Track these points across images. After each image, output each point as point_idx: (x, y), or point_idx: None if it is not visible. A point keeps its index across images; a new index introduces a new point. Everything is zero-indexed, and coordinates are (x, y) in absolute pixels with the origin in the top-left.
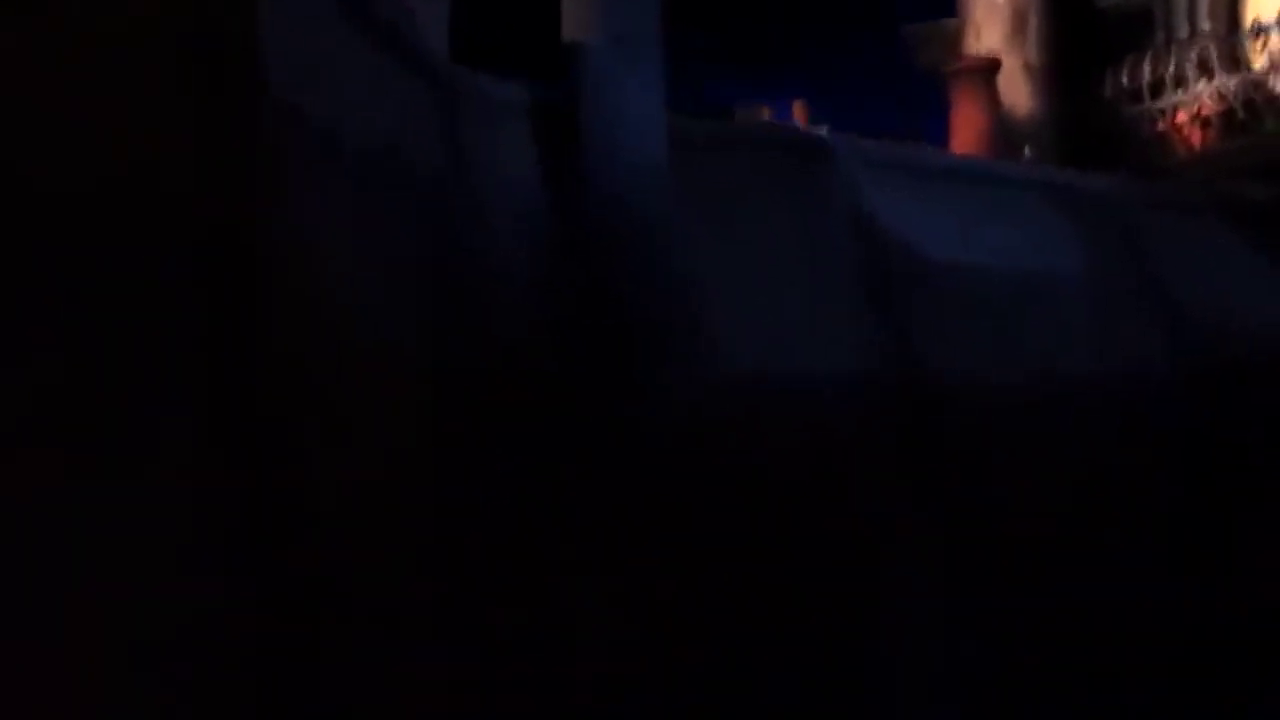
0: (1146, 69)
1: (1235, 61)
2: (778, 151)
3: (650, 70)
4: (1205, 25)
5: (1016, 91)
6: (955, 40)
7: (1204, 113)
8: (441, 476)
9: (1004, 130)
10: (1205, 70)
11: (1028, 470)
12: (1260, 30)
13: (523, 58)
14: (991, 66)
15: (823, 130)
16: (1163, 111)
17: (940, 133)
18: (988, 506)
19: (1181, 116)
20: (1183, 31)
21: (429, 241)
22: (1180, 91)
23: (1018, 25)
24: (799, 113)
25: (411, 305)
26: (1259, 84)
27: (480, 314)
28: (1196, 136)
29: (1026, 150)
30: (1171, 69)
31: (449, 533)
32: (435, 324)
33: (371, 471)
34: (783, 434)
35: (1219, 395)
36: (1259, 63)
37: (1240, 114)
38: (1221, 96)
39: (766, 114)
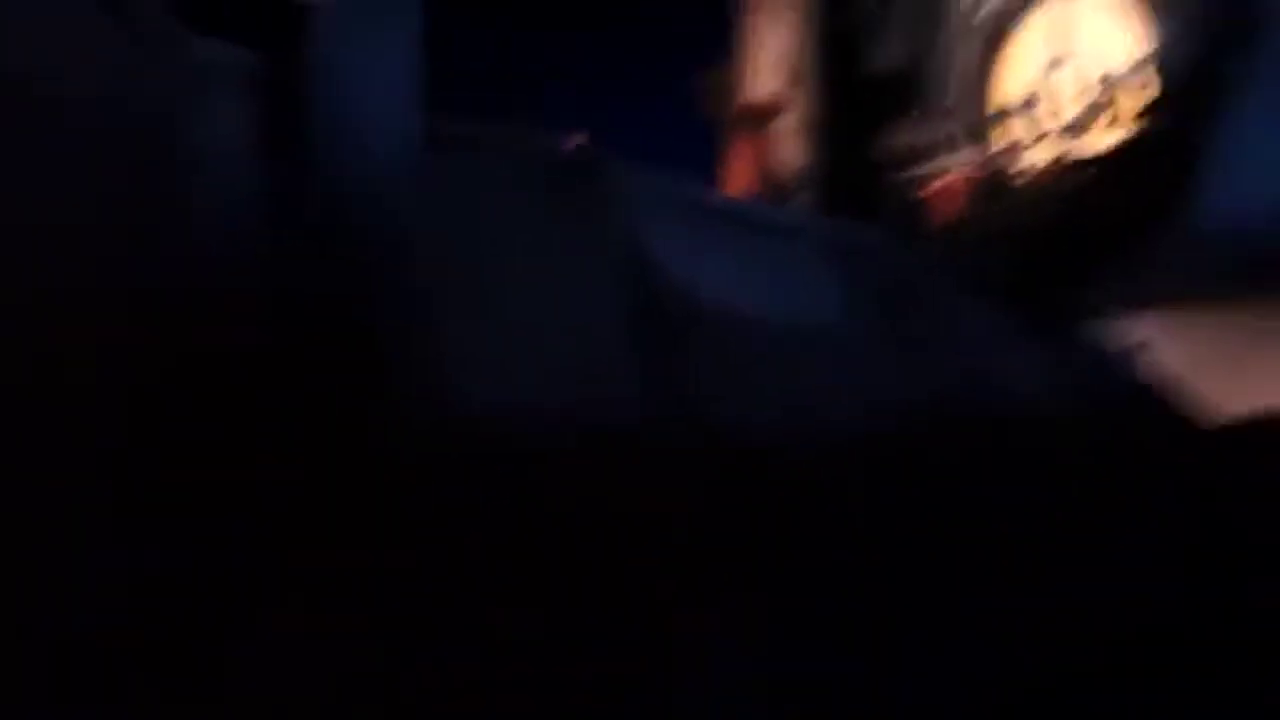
0: (907, 135)
1: (981, 139)
2: (550, 169)
3: (401, 46)
4: (960, 100)
5: (789, 147)
6: (733, 90)
7: (959, 182)
8: (125, 500)
9: (775, 185)
10: (960, 142)
11: (798, 522)
12: (1003, 114)
13: (259, 18)
14: (766, 113)
15: (599, 154)
16: (919, 178)
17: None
18: (763, 561)
19: (940, 184)
20: (942, 102)
21: (120, 219)
22: (938, 160)
23: (793, 81)
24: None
25: (95, 294)
26: (998, 162)
27: (179, 311)
28: (952, 204)
29: (795, 202)
30: (926, 139)
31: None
32: (123, 328)
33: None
34: (540, 485)
35: (970, 456)
36: (1002, 142)
37: (990, 187)
38: (973, 168)
39: None
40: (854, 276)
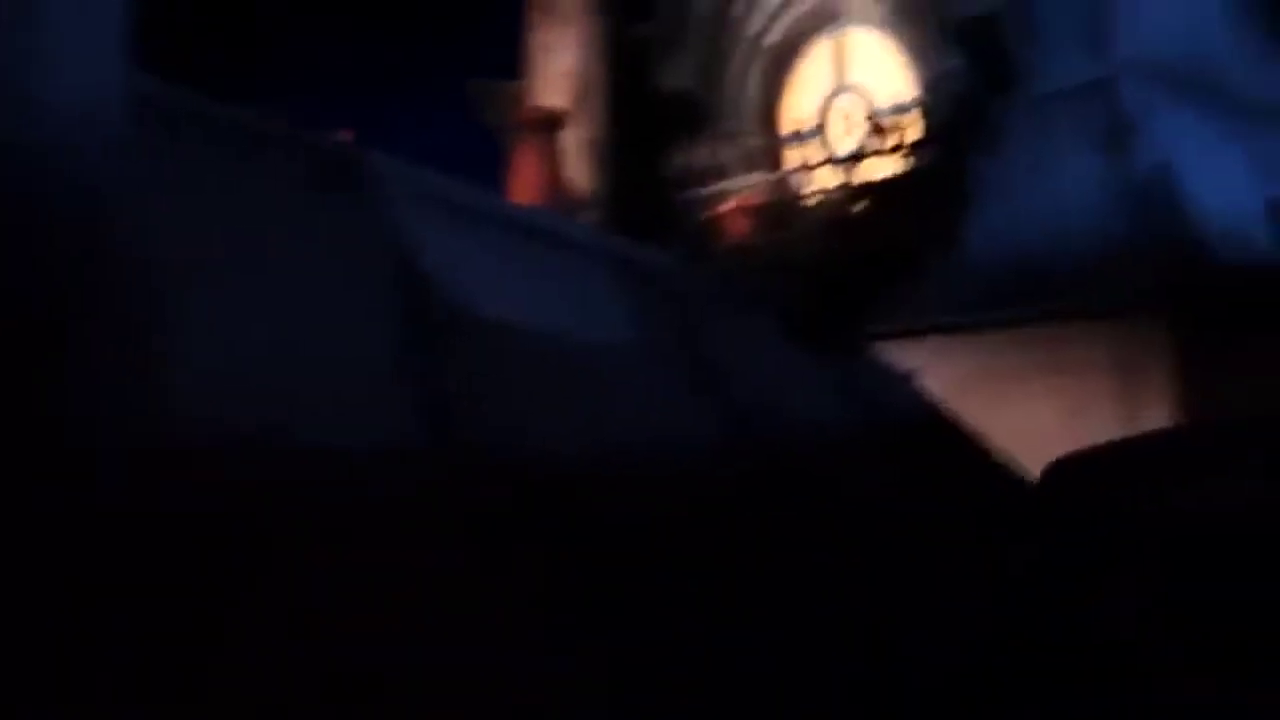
0: (697, 156)
1: (773, 162)
2: (309, 163)
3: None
4: (747, 123)
5: (576, 164)
6: (519, 101)
7: (745, 205)
8: None
9: (563, 198)
10: (747, 166)
11: (581, 551)
12: (796, 138)
13: None
14: (553, 122)
15: (365, 152)
16: (711, 199)
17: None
18: (536, 586)
19: (726, 206)
20: (729, 125)
21: None
22: (725, 182)
23: (581, 97)
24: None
25: None
26: (788, 186)
27: None
28: (739, 227)
29: (583, 217)
30: (714, 160)
31: None
32: None
33: None
34: (278, 517)
35: (764, 482)
36: (788, 167)
37: (775, 211)
38: (758, 193)
39: None
40: (644, 296)
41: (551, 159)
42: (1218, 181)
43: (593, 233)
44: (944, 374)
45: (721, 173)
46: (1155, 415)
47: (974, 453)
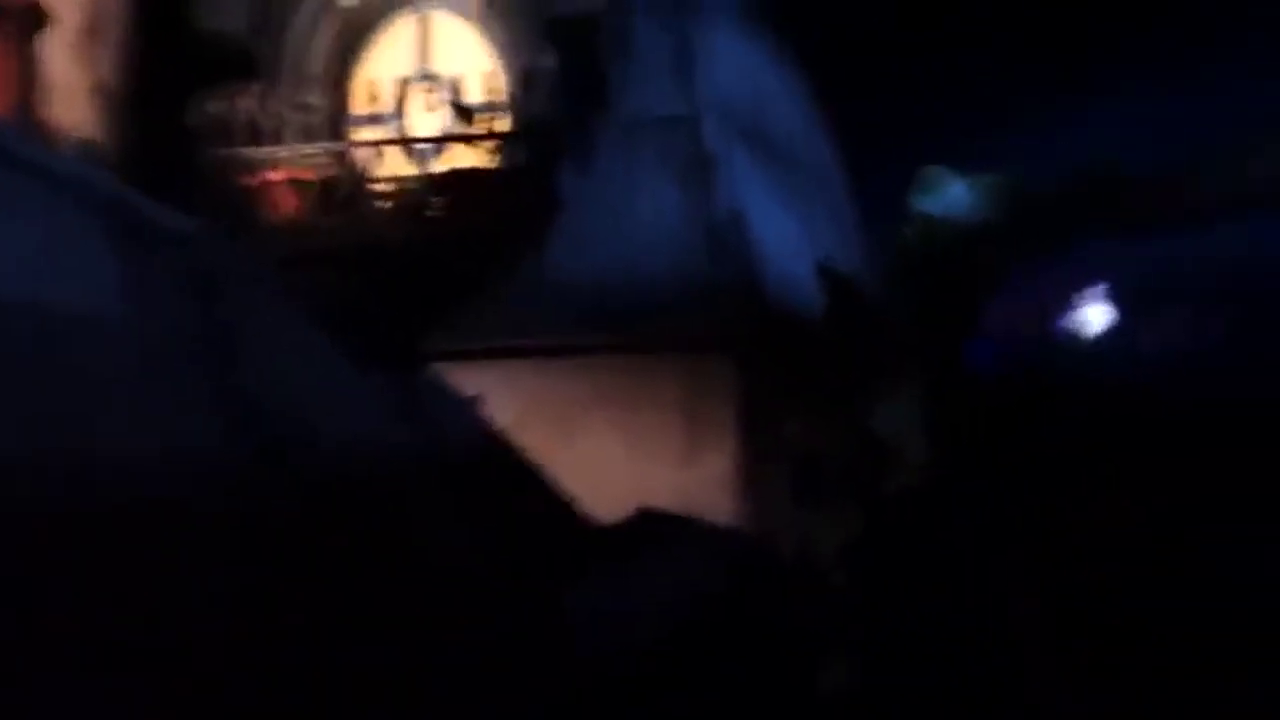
0: (241, 111)
1: (332, 135)
2: None
3: None
4: (310, 87)
5: (81, 109)
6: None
7: (299, 178)
8: None
9: (42, 127)
10: (305, 134)
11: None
12: (368, 116)
13: None
14: (30, 16)
15: None
16: (255, 163)
17: None
18: None
19: (275, 175)
20: (287, 84)
21: None
22: (275, 148)
23: (90, 32)
24: None
25: None
26: (353, 165)
27: None
28: (289, 201)
29: (77, 153)
30: (267, 121)
31: None
32: None
33: None
34: None
35: (288, 511)
36: (354, 145)
37: (335, 191)
38: (317, 166)
39: None
40: (149, 263)
41: (27, 64)
42: (778, 234)
43: (82, 169)
44: (508, 399)
45: (271, 136)
46: (717, 454)
47: (534, 486)
